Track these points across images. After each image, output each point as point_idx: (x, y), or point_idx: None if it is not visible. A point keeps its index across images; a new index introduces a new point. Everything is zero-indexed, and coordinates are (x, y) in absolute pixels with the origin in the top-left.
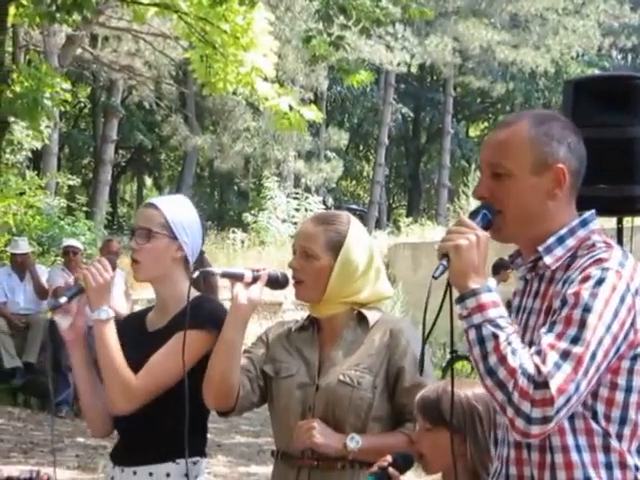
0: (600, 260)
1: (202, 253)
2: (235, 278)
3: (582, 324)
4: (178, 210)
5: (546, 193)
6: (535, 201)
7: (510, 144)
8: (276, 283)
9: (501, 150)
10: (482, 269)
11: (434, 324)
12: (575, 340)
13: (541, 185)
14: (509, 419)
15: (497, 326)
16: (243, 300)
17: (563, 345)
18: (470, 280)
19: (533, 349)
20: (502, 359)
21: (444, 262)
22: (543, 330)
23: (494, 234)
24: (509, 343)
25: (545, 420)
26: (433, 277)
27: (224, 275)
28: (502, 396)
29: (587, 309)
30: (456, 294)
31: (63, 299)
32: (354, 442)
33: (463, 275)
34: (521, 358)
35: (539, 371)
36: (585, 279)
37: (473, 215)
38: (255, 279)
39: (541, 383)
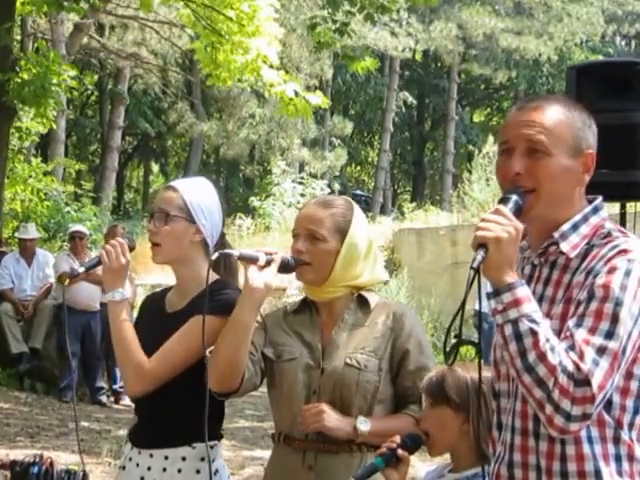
0: (624, 251)
1: (223, 235)
2: (250, 261)
3: (614, 319)
4: (197, 192)
5: (577, 178)
6: (568, 184)
7: (550, 124)
8: (287, 267)
9: (542, 129)
10: (515, 263)
11: (461, 310)
12: (609, 335)
13: (575, 169)
14: (547, 416)
15: (534, 321)
16: (258, 283)
17: (598, 341)
18: (506, 274)
19: (565, 344)
20: (542, 356)
21: (482, 253)
22: (571, 323)
23: (521, 215)
24: (548, 340)
25: (585, 417)
26: (471, 268)
27: (240, 257)
28: (541, 393)
29: (618, 303)
30: (462, 276)
31: (81, 269)
32: (365, 425)
33: (500, 269)
34: (560, 355)
35: (578, 368)
36: (612, 271)
37: (504, 202)
38: (268, 262)
39: (581, 380)
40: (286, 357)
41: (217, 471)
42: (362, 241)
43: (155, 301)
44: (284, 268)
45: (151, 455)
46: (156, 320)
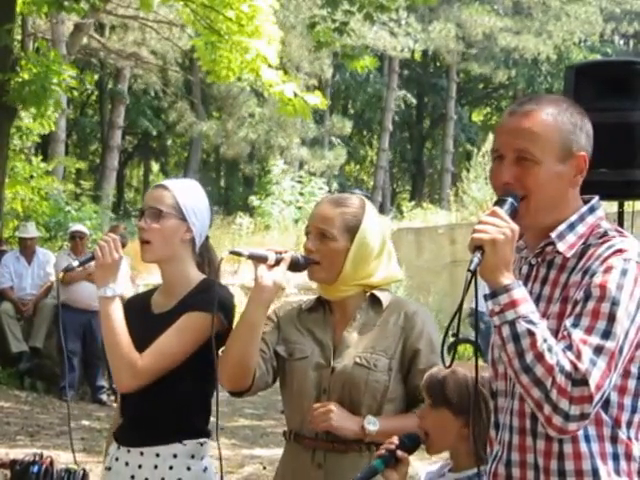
0: (620, 251)
1: (207, 238)
2: (259, 260)
3: (611, 318)
4: (188, 192)
5: (569, 180)
6: (560, 188)
7: (538, 131)
8: (297, 266)
9: (529, 136)
10: (511, 264)
11: (459, 311)
12: (606, 335)
13: (566, 172)
14: (545, 416)
15: (531, 322)
16: (267, 282)
17: (595, 340)
18: (502, 276)
19: (562, 344)
20: (539, 356)
21: (479, 255)
22: (568, 323)
23: (516, 219)
24: (545, 340)
25: (583, 417)
26: (469, 270)
27: (250, 256)
28: (539, 393)
29: (615, 302)
30: (461, 274)
31: (75, 263)
32: (373, 425)
33: (496, 270)
34: (557, 355)
35: (576, 368)
36: (608, 270)
37: (500, 203)
38: (278, 261)
39: (579, 380)
40: (298, 355)
41: (206, 468)
42: (374, 240)
43: (139, 303)
44: (294, 267)
45: (142, 453)
46: (142, 321)
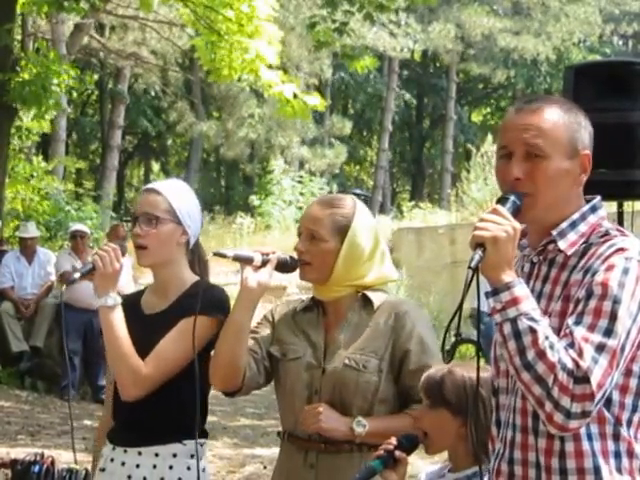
0: (622, 250)
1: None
2: (245, 261)
3: (613, 316)
4: (180, 195)
5: (574, 178)
6: (566, 185)
7: (546, 127)
8: (285, 266)
9: (538, 132)
10: (513, 262)
11: (460, 309)
12: (608, 333)
13: (572, 170)
14: (547, 413)
15: (532, 319)
16: (252, 283)
17: (597, 338)
18: (504, 273)
19: (564, 342)
20: (541, 353)
21: (480, 252)
22: (570, 321)
23: (519, 216)
24: (546, 337)
25: (584, 414)
26: (469, 268)
27: (235, 258)
28: (540, 391)
29: (617, 301)
30: (461, 274)
31: (77, 275)
32: (361, 426)
33: (497, 268)
34: (559, 352)
35: (578, 365)
36: (609, 268)
37: (502, 202)
38: (264, 262)
39: (581, 378)
40: (291, 356)
41: (204, 469)
42: (365, 241)
43: (129, 302)
44: (282, 267)
45: (139, 453)
46: (134, 322)
